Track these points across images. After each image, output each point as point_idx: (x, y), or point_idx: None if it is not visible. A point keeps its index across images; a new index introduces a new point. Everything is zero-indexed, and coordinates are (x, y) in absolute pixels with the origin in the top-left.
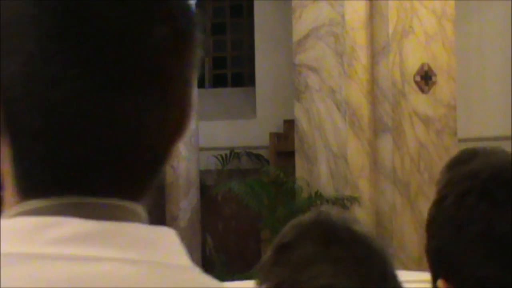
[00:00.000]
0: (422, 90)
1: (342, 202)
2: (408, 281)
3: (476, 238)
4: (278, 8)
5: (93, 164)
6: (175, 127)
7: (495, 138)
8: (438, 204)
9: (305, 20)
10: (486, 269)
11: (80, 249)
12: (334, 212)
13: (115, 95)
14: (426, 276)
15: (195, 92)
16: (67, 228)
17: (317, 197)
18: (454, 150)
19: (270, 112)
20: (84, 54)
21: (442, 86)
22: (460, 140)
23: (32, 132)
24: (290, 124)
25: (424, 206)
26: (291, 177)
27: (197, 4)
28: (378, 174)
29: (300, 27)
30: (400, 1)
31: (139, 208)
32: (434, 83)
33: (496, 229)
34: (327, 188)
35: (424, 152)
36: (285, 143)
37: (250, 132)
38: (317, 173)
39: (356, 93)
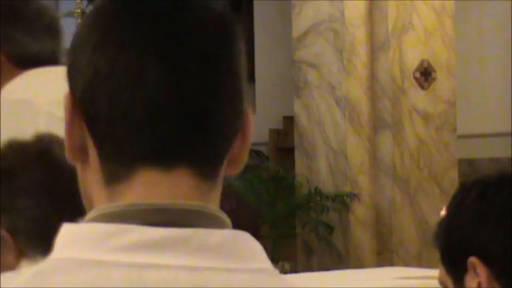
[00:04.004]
0: (422, 87)
1: (342, 198)
2: (408, 278)
3: (501, 219)
4: (278, 4)
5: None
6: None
7: (495, 135)
8: (458, 204)
9: (304, 16)
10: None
11: (142, 256)
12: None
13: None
14: (426, 272)
15: None
16: (132, 236)
17: (317, 193)
18: (454, 146)
19: (269, 108)
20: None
21: (442, 82)
22: (459, 137)
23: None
24: (289, 120)
25: (424, 202)
26: (290, 173)
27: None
28: (377, 170)
29: (300, 23)
30: None
31: (214, 210)
32: (434, 79)
33: None
34: (327, 184)
35: (423, 149)
36: (285, 139)
37: None
38: (316, 169)
39: (355, 89)
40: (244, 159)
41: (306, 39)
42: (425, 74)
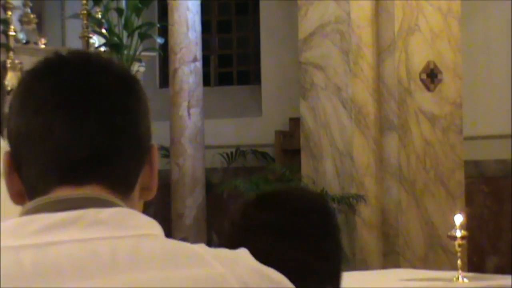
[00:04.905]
0: (428, 88)
1: (348, 200)
2: (414, 279)
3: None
4: (284, 6)
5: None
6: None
7: (501, 136)
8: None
9: (310, 17)
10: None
11: (45, 237)
12: None
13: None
14: (431, 274)
15: (200, 90)
16: (38, 223)
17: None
18: (460, 148)
19: (275, 110)
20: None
21: (448, 84)
22: (465, 138)
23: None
24: (295, 122)
25: (430, 204)
26: (296, 175)
27: (203, 3)
28: (384, 172)
29: (306, 24)
30: None
31: (109, 197)
32: (440, 81)
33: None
34: (333, 186)
35: (429, 150)
36: (291, 141)
37: (256, 130)
38: (322, 171)
39: (361, 91)
40: (155, 186)
41: (312, 40)
42: (431, 76)
